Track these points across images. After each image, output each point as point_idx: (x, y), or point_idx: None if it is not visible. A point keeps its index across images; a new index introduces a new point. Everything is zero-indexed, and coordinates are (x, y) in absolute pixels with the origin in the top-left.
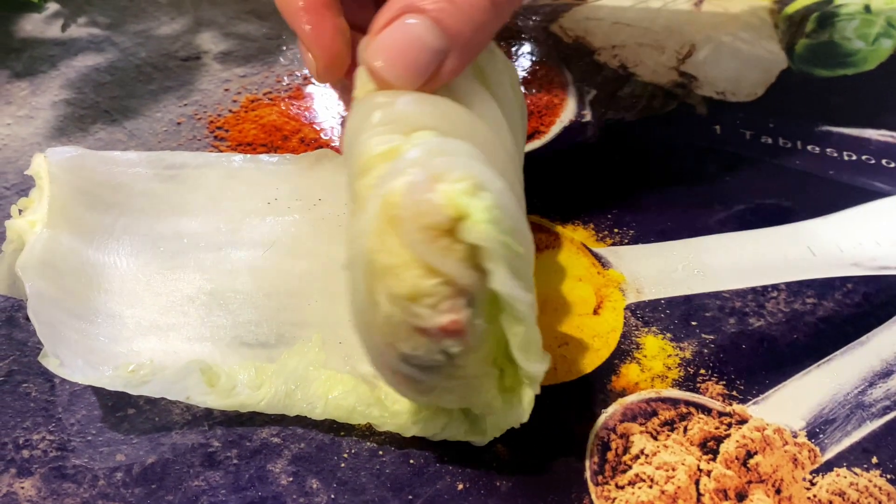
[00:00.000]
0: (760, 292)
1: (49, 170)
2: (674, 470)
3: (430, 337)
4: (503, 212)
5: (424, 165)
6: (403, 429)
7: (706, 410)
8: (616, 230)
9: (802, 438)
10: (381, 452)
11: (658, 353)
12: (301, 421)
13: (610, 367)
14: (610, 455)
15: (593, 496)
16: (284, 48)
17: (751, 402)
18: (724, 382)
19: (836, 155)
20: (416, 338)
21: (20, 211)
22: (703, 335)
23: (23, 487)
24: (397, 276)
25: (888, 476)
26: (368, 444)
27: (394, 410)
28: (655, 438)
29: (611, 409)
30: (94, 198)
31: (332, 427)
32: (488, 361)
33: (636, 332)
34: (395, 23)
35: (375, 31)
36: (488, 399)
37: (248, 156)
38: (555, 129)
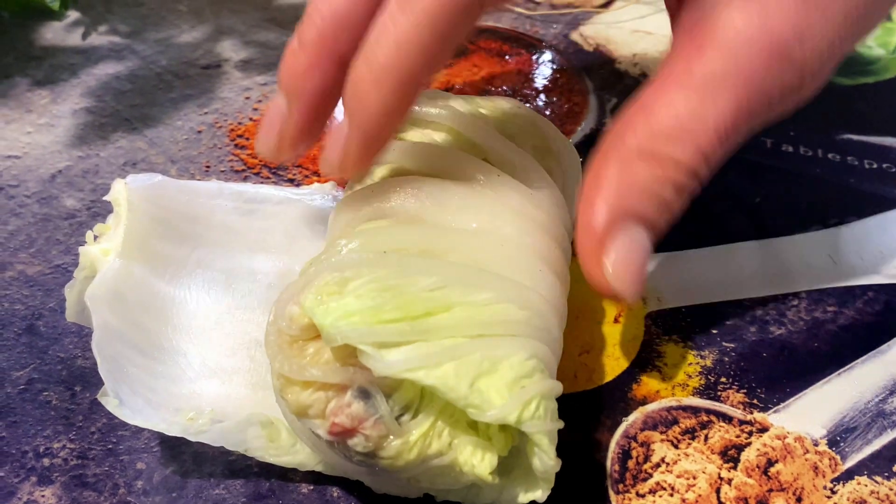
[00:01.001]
0: (781, 300)
1: (128, 197)
2: (695, 478)
3: (332, 444)
4: (366, 303)
5: (305, 275)
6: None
7: (727, 419)
8: None
9: (823, 447)
10: None
11: (679, 361)
12: None
13: (631, 375)
14: (630, 463)
15: None
16: None
17: (772, 411)
18: (745, 391)
19: (856, 163)
20: (328, 446)
21: (95, 237)
22: (724, 343)
23: (43, 496)
24: (284, 398)
25: None
26: None
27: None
28: (676, 447)
29: (631, 418)
30: (170, 228)
31: None
32: (438, 438)
33: (657, 341)
34: (626, 238)
35: (591, 240)
36: (473, 475)
37: (330, 193)
38: (575, 138)
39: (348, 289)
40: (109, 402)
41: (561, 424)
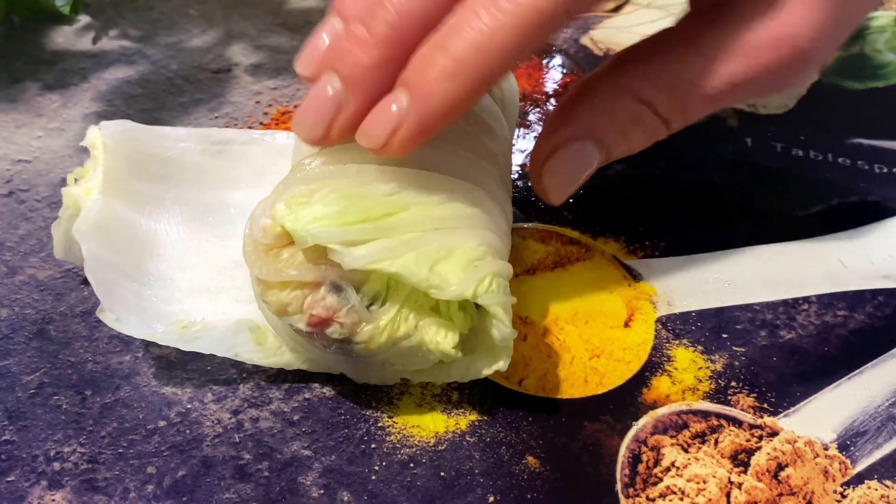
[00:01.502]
0: (791, 305)
1: (103, 141)
2: (705, 482)
3: (312, 336)
4: (332, 209)
5: (275, 191)
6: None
7: (737, 423)
8: (647, 242)
9: (833, 451)
10: (412, 465)
11: (689, 365)
12: (332, 433)
13: (641, 379)
14: (641, 467)
15: None
16: None
17: (782, 415)
18: (755, 395)
19: (867, 167)
20: (308, 338)
21: (76, 180)
22: (734, 347)
23: (54, 500)
24: (265, 301)
25: None
26: (399, 456)
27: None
28: (686, 451)
29: (641, 422)
30: (145, 169)
31: (363, 439)
32: (405, 322)
33: (667, 345)
34: (574, 146)
35: (545, 153)
36: (438, 351)
37: (291, 133)
38: None
39: (315, 198)
40: (108, 316)
41: (514, 300)
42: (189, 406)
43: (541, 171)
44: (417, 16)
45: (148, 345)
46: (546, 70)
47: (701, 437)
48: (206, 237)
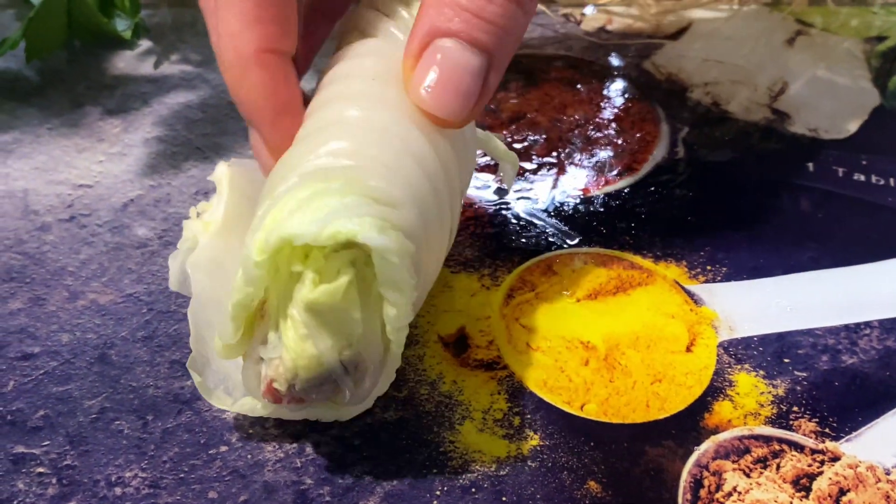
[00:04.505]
0: (853, 329)
1: (230, 177)
2: None
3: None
4: None
5: None
6: None
7: (799, 448)
8: (709, 267)
9: (895, 476)
10: (473, 490)
11: (751, 390)
12: (393, 458)
13: (703, 404)
14: (703, 492)
15: None
16: None
17: (843, 440)
18: (817, 419)
19: None
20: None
21: (198, 214)
22: (796, 372)
23: None
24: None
25: None
26: (461, 481)
27: None
28: (748, 476)
29: (703, 447)
30: None
31: (425, 464)
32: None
33: (729, 370)
34: (428, 52)
35: (410, 64)
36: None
37: None
38: (647, 167)
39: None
40: (194, 377)
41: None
42: (251, 431)
43: (417, 93)
44: None
45: None
46: (607, 95)
47: (763, 462)
48: None
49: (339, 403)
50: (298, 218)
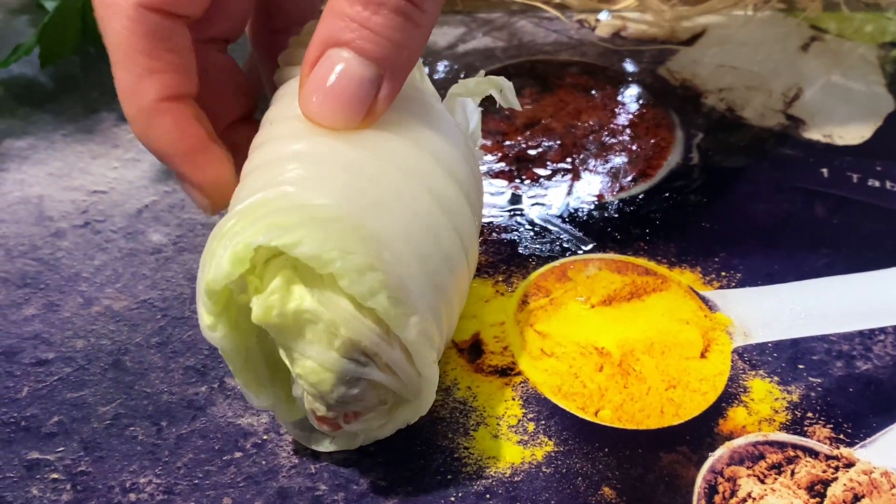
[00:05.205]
0: (868, 335)
1: None
2: None
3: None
4: None
5: None
6: None
7: (813, 454)
8: (723, 273)
9: None
10: (488, 496)
11: (765, 396)
12: (407, 464)
13: (717, 410)
14: (717, 498)
15: None
16: None
17: (858, 446)
18: (832, 425)
19: None
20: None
21: None
22: (811, 378)
23: None
24: None
25: None
26: (475, 487)
27: None
28: (763, 482)
29: (718, 453)
30: None
31: (439, 470)
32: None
33: (743, 376)
34: (322, 61)
35: (305, 72)
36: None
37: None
38: (662, 172)
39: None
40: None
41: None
42: (265, 437)
43: (308, 102)
44: None
45: (223, 375)
46: (622, 101)
47: (777, 468)
48: None
49: (395, 402)
50: (211, 263)
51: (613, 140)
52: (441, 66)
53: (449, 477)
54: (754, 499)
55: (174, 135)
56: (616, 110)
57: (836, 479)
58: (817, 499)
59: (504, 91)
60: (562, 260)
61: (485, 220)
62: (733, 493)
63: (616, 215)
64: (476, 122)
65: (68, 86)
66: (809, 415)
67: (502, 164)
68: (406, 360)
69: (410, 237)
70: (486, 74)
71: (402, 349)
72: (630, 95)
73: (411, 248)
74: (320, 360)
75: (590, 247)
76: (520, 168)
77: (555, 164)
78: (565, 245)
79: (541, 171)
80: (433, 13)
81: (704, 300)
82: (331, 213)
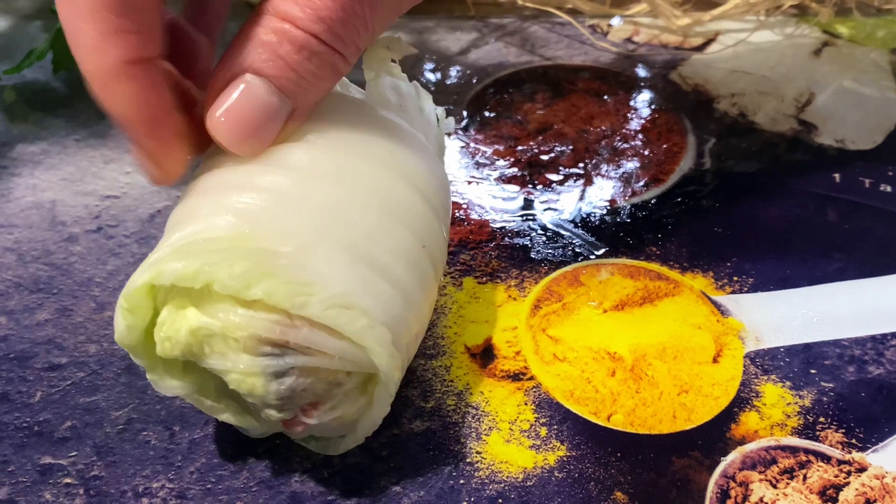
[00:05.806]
0: (880, 340)
1: None
2: None
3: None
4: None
5: None
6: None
7: (825, 458)
8: (735, 278)
9: None
10: (500, 501)
11: (777, 401)
12: (420, 469)
13: (729, 414)
14: (729, 503)
15: None
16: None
17: (870, 451)
18: (844, 430)
19: None
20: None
21: None
22: (823, 383)
23: None
24: None
25: None
26: (488, 492)
27: None
28: (775, 486)
29: (730, 457)
30: None
31: (452, 475)
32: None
33: (755, 381)
34: (234, 83)
35: (216, 89)
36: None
37: None
38: (674, 178)
39: None
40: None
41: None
42: (278, 441)
43: (212, 121)
44: None
45: None
46: (634, 106)
47: (789, 473)
48: None
49: (361, 380)
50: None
51: (626, 145)
52: (453, 72)
53: (461, 482)
54: (766, 503)
55: (138, 101)
56: (628, 115)
57: (848, 483)
58: (829, 503)
59: (391, 47)
60: (574, 265)
61: (497, 224)
62: (745, 498)
63: (628, 220)
64: (430, 108)
65: (81, 91)
66: (821, 419)
67: (515, 168)
68: (329, 335)
69: (300, 215)
70: (496, 80)
71: (316, 326)
72: (642, 100)
73: (299, 224)
74: (238, 367)
75: (602, 251)
76: (532, 173)
77: (567, 169)
78: (578, 250)
79: (553, 176)
80: (355, 60)
81: (717, 305)
82: (192, 238)
